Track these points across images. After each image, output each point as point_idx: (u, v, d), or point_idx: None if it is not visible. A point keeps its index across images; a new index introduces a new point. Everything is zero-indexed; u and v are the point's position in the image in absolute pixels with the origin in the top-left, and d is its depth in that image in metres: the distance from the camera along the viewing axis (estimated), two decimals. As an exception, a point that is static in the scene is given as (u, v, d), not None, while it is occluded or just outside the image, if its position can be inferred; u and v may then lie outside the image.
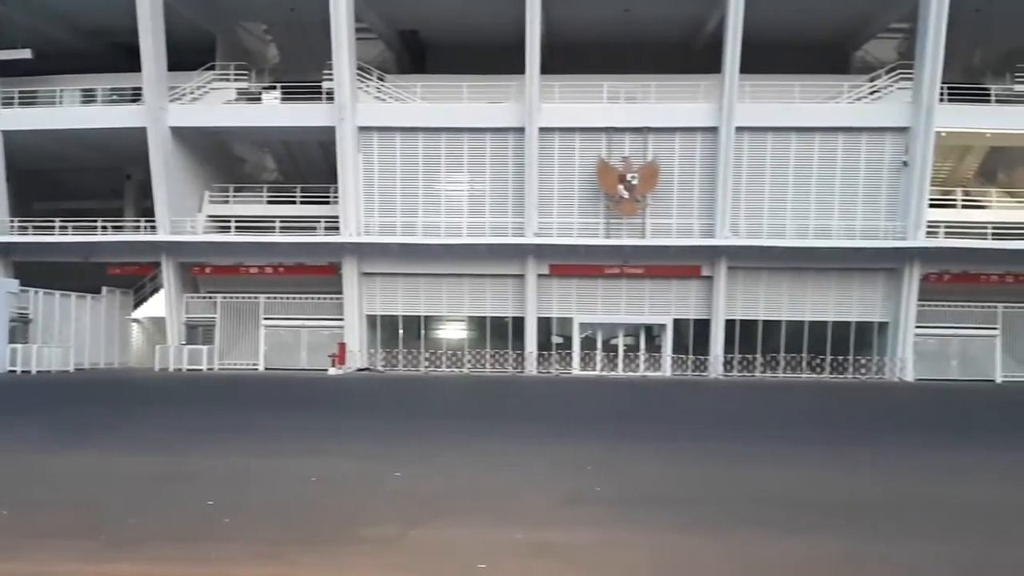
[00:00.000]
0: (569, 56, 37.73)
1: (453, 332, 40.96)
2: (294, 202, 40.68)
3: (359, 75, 37.81)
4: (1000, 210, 40.39)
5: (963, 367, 38.39)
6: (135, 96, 38.62)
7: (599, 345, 39.83)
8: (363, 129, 37.89)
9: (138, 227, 40.64)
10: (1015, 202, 40.88)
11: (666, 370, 38.61)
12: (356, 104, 37.54)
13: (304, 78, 38.47)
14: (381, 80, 38.80)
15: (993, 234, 37.73)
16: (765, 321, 38.53)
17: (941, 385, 35.45)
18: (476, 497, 9.51)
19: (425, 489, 9.91)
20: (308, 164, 43.42)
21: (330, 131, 37.50)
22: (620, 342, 40.14)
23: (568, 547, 7.32)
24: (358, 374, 37.54)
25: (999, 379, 37.72)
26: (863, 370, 37.99)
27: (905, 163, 36.24)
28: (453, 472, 11.27)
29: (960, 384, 36.31)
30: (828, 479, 11.28)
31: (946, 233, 37.30)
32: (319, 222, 39.37)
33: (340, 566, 6.61)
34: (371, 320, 39.70)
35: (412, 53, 42.64)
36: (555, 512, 8.74)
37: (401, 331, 39.88)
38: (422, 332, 40.02)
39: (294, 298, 39.93)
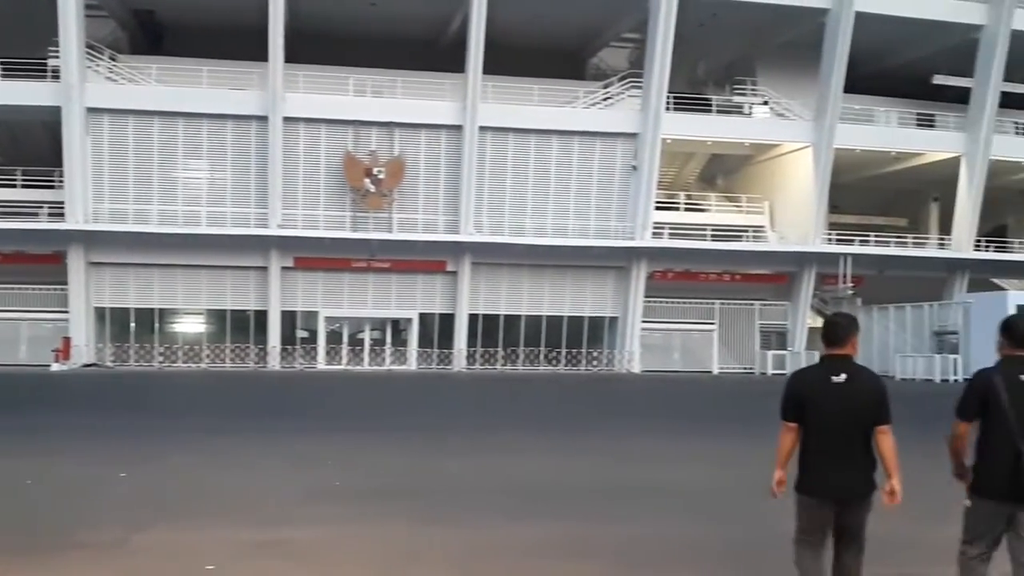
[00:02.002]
0: (315, 46, 37.18)
1: (190, 326, 39.38)
2: (14, 186, 37.70)
3: (89, 54, 35.55)
4: (718, 213, 43.71)
5: (684, 359, 41.22)
6: None
7: (345, 339, 39.62)
8: (92, 111, 35.67)
9: None
10: (732, 206, 44.36)
11: (412, 364, 38.96)
12: (85, 84, 35.29)
13: (28, 54, 35.68)
14: (113, 60, 36.68)
15: (712, 236, 40.74)
16: (506, 316, 39.71)
17: (664, 376, 37.88)
18: (208, 497, 9.33)
19: (152, 490, 9.60)
20: (32, 146, 40.28)
21: (56, 111, 35.03)
22: (366, 336, 40.11)
23: (302, 544, 7.34)
24: (84, 370, 35.34)
25: (716, 371, 40.79)
26: (595, 362, 39.97)
27: (634, 167, 38.41)
28: (184, 472, 10.96)
29: (681, 375, 38.95)
30: (561, 466, 11.90)
31: (670, 234, 39.85)
32: (42, 207, 36.70)
33: None
34: (100, 313, 37.45)
35: (148, 34, 40.53)
36: (291, 509, 8.72)
37: (133, 324, 37.88)
38: (156, 326, 38.21)
39: (13, 288, 37.01)
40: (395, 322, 40.00)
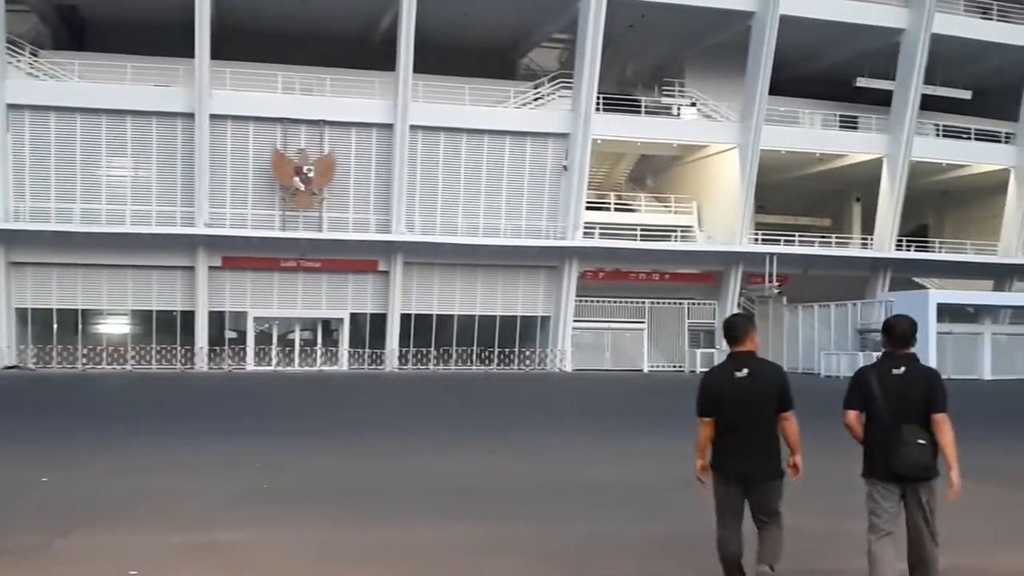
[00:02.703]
0: (243, 42, 36.73)
1: (115, 327, 38.58)
2: (-71, 183, 36.57)
3: (9, 49, 34.64)
4: (648, 213, 44.23)
5: (615, 358, 41.57)
6: None
7: (275, 340, 39.18)
8: (13, 107, 34.77)
9: None
10: (661, 206, 44.91)
11: (343, 364, 38.70)
12: (5, 80, 34.39)
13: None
14: (35, 56, 35.79)
15: (642, 235, 41.18)
16: (439, 315, 39.65)
17: (596, 375, 38.18)
18: (133, 501, 9.19)
19: (76, 495, 9.42)
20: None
21: (-27, 107, 34.09)
22: (296, 337, 39.73)
23: (228, 547, 7.27)
24: (5, 372, 34.42)
25: (646, 369, 41.24)
26: (527, 362, 40.13)
27: (565, 167, 38.65)
28: (108, 475, 10.78)
29: (612, 374, 39.29)
30: (491, 465, 11.96)
31: (601, 234, 40.22)
32: (-42, 206, 35.65)
33: (-26, 582, 6.20)
34: (21, 314, 36.49)
35: (71, 29, 39.64)
36: (217, 512, 8.64)
37: (56, 326, 36.99)
38: (80, 327, 37.36)
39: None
40: (326, 322, 39.69)
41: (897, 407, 5.43)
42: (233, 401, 23.83)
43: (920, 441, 5.36)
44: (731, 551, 5.70)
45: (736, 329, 5.76)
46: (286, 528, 8.00)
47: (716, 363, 6.94)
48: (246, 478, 10.59)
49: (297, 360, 38.90)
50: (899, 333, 5.61)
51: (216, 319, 38.12)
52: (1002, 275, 44.78)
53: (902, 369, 5.52)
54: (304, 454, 12.95)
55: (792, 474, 5.67)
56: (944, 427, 5.39)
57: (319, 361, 38.88)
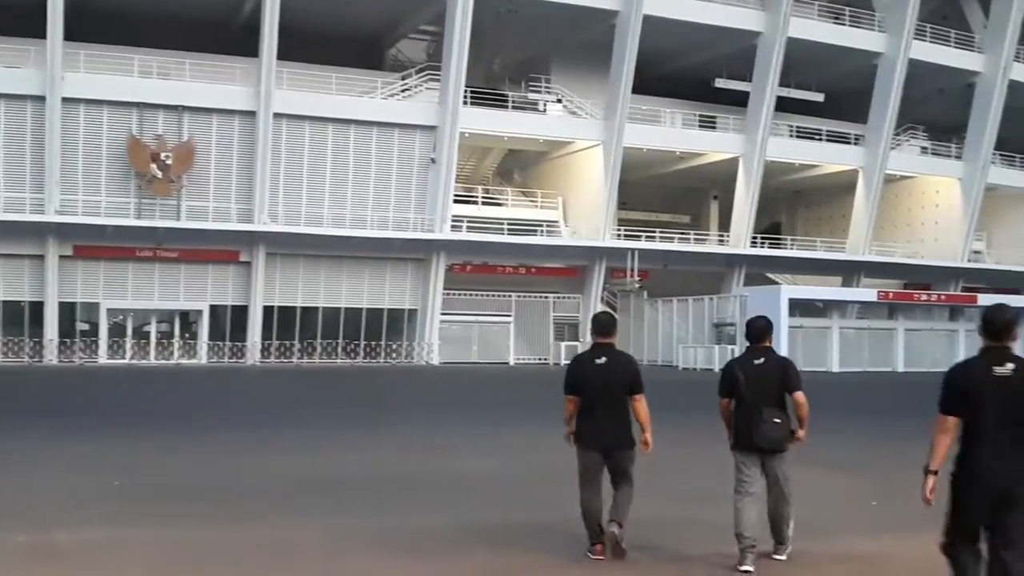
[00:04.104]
0: (98, 24, 35.24)
1: (-44, 319, 36.58)
2: None
3: None
4: (515, 208, 44.63)
5: (482, 351, 41.75)
6: None
7: (129, 332, 37.79)
8: None
9: None
10: (528, 201, 45.36)
11: (202, 357, 37.60)
12: None
13: None
14: None
15: (508, 230, 41.49)
16: (303, 308, 39.00)
17: (463, 368, 38.29)
18: (-28, 501, 8.72)
19: (-91, 496, 8.88)
20: None
21: None
22: (153, 329, 38.41)
23: (76, 547, 7.01)
24: None
25: (512, 362, 41.57)
26: (394, 355, 39.89)
27: (433, 160, 38.56)
28: (-54, 475, 10.20)
29: (480, 366, 39.48)
30: (355, 460, 11.86)
31: (468, 227, 40.35)
32: None
33: None
34: None
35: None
36: (66, 512, 8.30)
37: None
38: (-84, 319, 35.25)
39: None
40: (184, 314, 38.52)
41: (757, 392, 6.50)
42: (84, 395, 22.89)
43: (776, 420, 6.48)
44: (592, 509, 6.68)
45: (603, 325, 6.88)
46: (138, 527, 7.74)
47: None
48: (96, 475, 10.21)
49: (153, 353, 37.62)
50: (756, 330, 6.74)
51: (67, 310, 36.52)
52: (850, 271, 46.93)
53: (762, 360, 6.64)
54: (157, 450, 12.56)
55: (643, 449, 6.66)
56: (801, 401, 6.56)
57: (176, 354, 37.71)
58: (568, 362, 7.30)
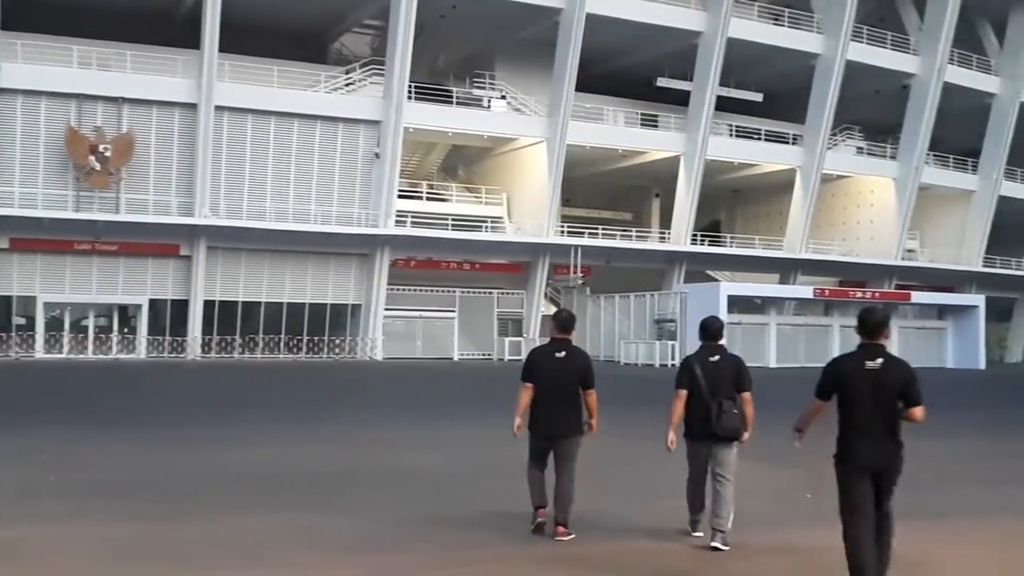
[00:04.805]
0: (35, 13, 34.56)
1: None
2: None
3: None
4: (459, 204, 44.68)
5: (426, 346, 41.73)
6: None
7: (67, 326, 37.15)
8: None
9: None
10: (472, 197, 45.44)
11: (141, 352, 37.11)
12: None
13: None
14: None
15: (453, 225, 41.56)
16: (244, 302, 38.67)
17: (407, 363, 38.21)
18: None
19: None
20: None
21: None
22: (91, 323, 37.81)
23: (11, 544, 6.92)
24: None
25: (456, 357, 41.65)
26: (337, 350, 39.72)
27: (377, 155, 38.44)
28: None
29: (423, 362, 39.44)
30: (296, 456, 11.85)
31: (413, 223, 40.33)
32: None
33: None
34: None
35: None
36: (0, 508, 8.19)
37: None
38: None
39: None
40: (123, 308, 37.98)
41: (714, 386, 7.06)
42: (19, 390, 22.50)
43: (734, 411, 7.06)
44: (537, 479, 7.29)
45: (565, 322, 7.47)
46: (76, 523, 7.68)
47: (527, 349, 8.14)
48: (31, 471, 10.09)
49: (91, 348, 37.05)
50: (712, 330, 7.35)
51: (3, 304, 35.87)
52: (787, 269, 47.76)
53: (717, 357, 7.22)
54: (95, 446, 12.42)
55: (589, 430, 7.28)
56: (748, 402, 7.19)
57: (115, 349, 37.18)
58: (530, 350, 7.95)
